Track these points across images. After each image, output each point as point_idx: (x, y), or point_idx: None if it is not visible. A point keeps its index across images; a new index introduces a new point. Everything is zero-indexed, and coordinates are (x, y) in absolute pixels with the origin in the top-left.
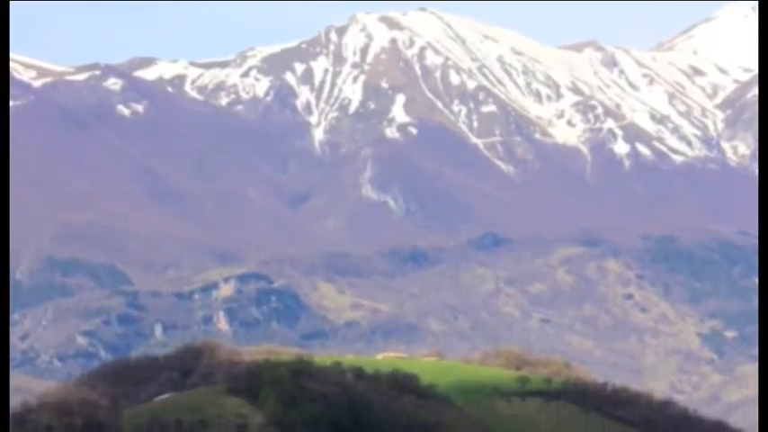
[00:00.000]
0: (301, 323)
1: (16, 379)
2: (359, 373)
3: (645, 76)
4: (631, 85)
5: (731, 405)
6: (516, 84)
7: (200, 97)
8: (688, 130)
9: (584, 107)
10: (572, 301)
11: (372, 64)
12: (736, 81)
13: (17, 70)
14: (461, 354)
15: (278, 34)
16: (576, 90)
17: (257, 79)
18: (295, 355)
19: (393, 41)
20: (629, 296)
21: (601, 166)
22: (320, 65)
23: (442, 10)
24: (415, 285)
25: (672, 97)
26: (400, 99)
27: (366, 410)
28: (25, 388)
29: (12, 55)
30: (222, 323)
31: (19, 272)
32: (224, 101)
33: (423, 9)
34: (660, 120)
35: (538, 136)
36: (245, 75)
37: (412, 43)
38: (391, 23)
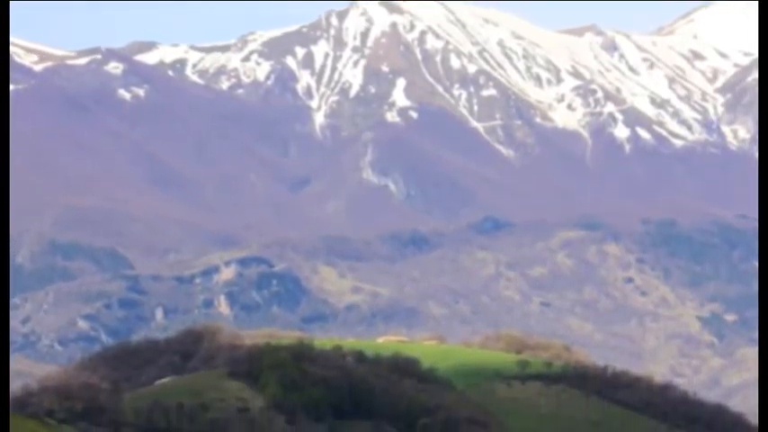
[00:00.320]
0: (302, 307)
1: (17, 363)
2: (359, 356)
3: (645, 60)
4: (631, 69)
5: (731, 388)
6: (516, 68)
7: (200, 81)
8: (688, 114)
9: (585, 91)
10: (572, 285)
11: (373, 48)
12: (736, 65)
13: (18, 54)
14: (462, 337)
15: (279, 18)
16: (576, 74)
17: (258, 63)
18: (296, 338)
19: (393, 26)
20: (630, 280)
21: (601, 150)
22: (321, 49)
23: None
24: (415, 269)
25: (672, 81)
26: (401, 83)
27: (367, 394)
28: (26, 372)
29: (13, 39)
30: (223, 307)
31: (20, 256)
32: (225, 85)
33: None
34: (660, 104)
35: (538, 120)
36: (246, 59)
37: (412, 27)
38: (392, 8)
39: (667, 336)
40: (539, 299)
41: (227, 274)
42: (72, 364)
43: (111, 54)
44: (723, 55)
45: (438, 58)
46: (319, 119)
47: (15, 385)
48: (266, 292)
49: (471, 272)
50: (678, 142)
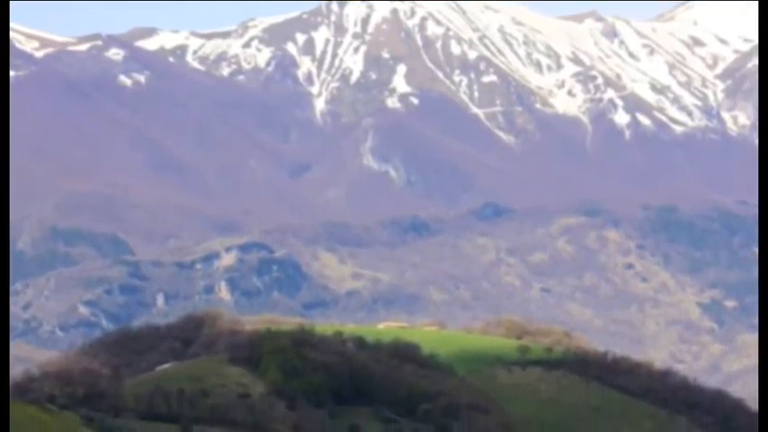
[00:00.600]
0: (302, 293)
1: (18, 348)
2: (360, 342)
3: (645, 46)
4: (632, 55)
5: (731, 374)
6: (517, 54)
7: (201, 67)
8: (688, 100)
9: (585, 77)
10: (572, 271)
11: (373, 34)
12: (736, 51)
13: (19, 41)
14: (462, 323)
15: (279, 5)
16: (576, 60)
17: (259, 50)
18: (296, 324)
19: (394, 12)
20: (630, 266)
21: (601, 136)
22: (321, 35)
23: None
24: (416, 255)
25: (672, 67)
26: (401, 69)
27: (367, 380)
28: (27, 358)
29: (14, 25)
30: (224, 293)
31: (21, 242)
32: (225, 71)
33: None
34: (660, 90)
35: (538, 106)
36: (247, 45)
37: (413, 13)
38: None
39: (667, 322)
40: (539, 285)
41: (228, 259)
42: (73, 350)
43: (111, 40)
44: (723, 41)
45: (438, 45)
46: (320, 105)
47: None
48: (267, 278)
49: (472, 258)
50: (678, 128)
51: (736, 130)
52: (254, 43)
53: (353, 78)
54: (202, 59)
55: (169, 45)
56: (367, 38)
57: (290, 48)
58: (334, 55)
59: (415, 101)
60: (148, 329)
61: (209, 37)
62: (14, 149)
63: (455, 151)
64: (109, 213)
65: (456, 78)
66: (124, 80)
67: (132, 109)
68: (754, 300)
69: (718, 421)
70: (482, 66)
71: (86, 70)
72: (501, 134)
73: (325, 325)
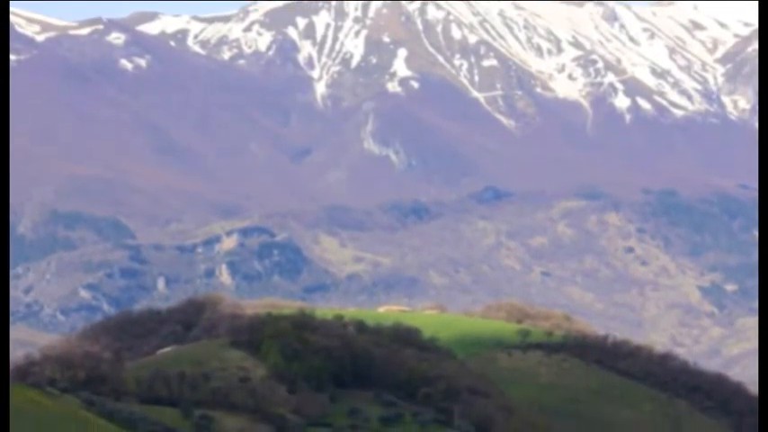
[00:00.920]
0: (303, 276)
1: (20, 332)
2: (360, 326)
3: (645, 30)
4: (632, 39)
5: (731, 358)
6: (517, 38)
7: (202, 52)
8: (688, 84)
9: (585, 61)
10: (573, 255)
11: (374, 18)
12: (736, 35)
13: (20, 25)
14: (463, 307)
15: None
16: (576, 44)
17: (260, 34)
18: (297, 308)
19: None
20: (630, 249)
21: (601, 120)
22: (322, 19)
23: None
24: (416, 239)
25: (672, 52)
26: (402, 53)
27: (367, 363)
28: (29, 341)
29: (15, 9)
30: (224, 276)
31: (22, 225)
32: (226, 55)
33: None
34: (660, 74)
35: (539, 90)
36: (248, 29)
37: None
38: None
39: (668, 305)
40: (539, 268)
41: (229, 243)
42: (74, 334)
43: (112, 24)
44: (723, 25)
45: (439, 29)
46: (320, 89)
47: (17, 354)
48: (268, 262)
49: (472, 241)
50: (678, 112)
51: (736, 114)
52: (255, 27)
53: (354, 62)
54: (203, 44)
55: (170, 29)
56: (367, 22)
57: (291, 32)
58: (335, 39)
59: (415, 85)
60: (149, 313)
61: (210, 21)
62: (15, 133)
63: (455, 135)
64: (110, 197)
65: (456, 62)
66: (125, 64)
67: (133, 93)
68: (754, 283)
69: (718, 404)
70: (482, 50)
71: (87, 54)
72: (501, 118)
73: (325, 309)
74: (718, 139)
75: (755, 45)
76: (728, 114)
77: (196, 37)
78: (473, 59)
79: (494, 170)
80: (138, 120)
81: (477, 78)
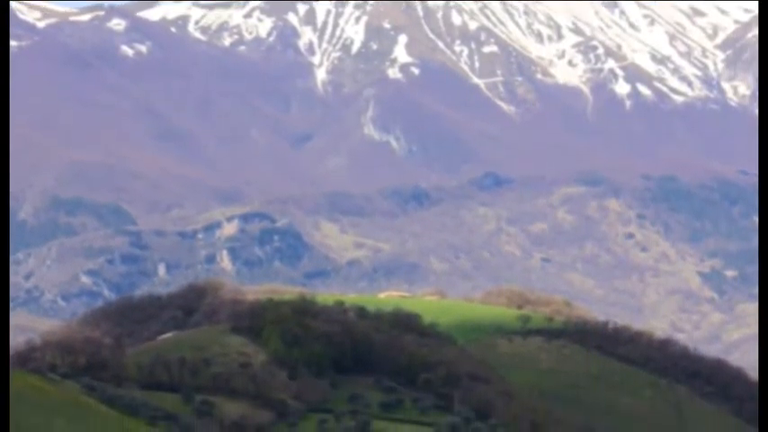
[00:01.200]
0: (304, 262)
1: (20, 318)
2: (361, 312)
3: (646, 16)
4: (632, 25)
5: (731, 344)
6: (518, 24)
7: (203, 38)
8: (688, 70)
9: (586, 48)
10: (573, 241)
11: (374, 4)
12: (736, 21)
13: (21, 11)
14: (463, 293)
15: None
16: (577, 30)
17: (260, 20)
18: (297, 294)
19: None
20: (630, 235)
21: (602, 106)
22: (322, 5)
23: None
24: (416, 225)
25: (672, 38)
26: (402, 39)
27: (368, 349)
28: (29, 327)
29: None
30: (225, 262)
31: (23, 211)
32: (227, 41)
33: None
34: (661, 60)
35: (539, 76)
36: (248, 15)
37: None
38: None
39: (668, 291)
40: (540, 254)
41: (230, 229)
42: (75, 319)
43: (113, 11)
44: (723, 11)
45: (439, 15)
46: (321, 75)
47: (18, 340)
48: (268, 248)
49: (472, 227)
50: (678, 98)
51: (736, 100)
52: (256, 14)
53: (354, 48)
54: (204, 30)
55: (171, 15)
56: (368, 8)
57: (292, 18)
58: (336, 25)
59: (416, 71)
60: (150, 299)
61: (210, 7)
62: (16, 120)
63: (456, 121)
64: (110, 183)
65: (457, 48)
66: (126, 50)
67: (134, 79)
68: (754, 269)
69: (718, 390)
70: (483, 36)
71: (88, 41)
72: (502, 104)
73: (326, 294)
74: (718, 126)
75: (755, 31)
76: (728, 100)
77: (197, 23)
78: (473, 45)
79: (494, 156)
80: (138, 106)
81: (477, 64)
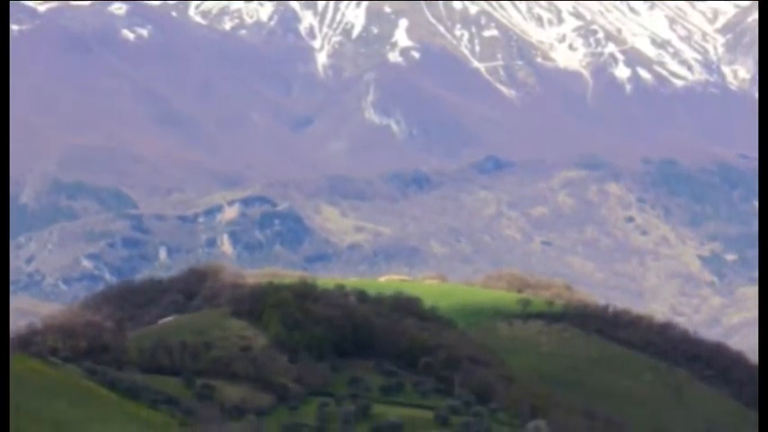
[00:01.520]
0: (305, 246)
1: (22, 302)
2: (362, 295)
3: (646, 0)
4: (632, 9)
5: (731, 327)
6: (518, 8)
7: (204, 22)
8: (689, 54)
9: (586, 31)
10: (573, 224)
11: None
12: (736, 6)
13: None
14: (463, 276)
15: None
16: (577, 14)
17: (261, 4)
18: (298, 277)
19: None
20: (630, 219)
21: (602, 90)
22: None
23: None
24: (417, 208)
25: (672, 22)
26: (403, 23)
27: (368, 332)
28: (31, 311)
29: None
30: (226, 246)
31: (24, 195)
32: (228, 25)
33: None
34: (661, 44)
35: (539, 60)
36: None
37: None
38: None
39: (668, 275)
40: (540, 238)
41: (230, 213)
42: (76, 303)
43: None
44: None
45: None
46: (322, 59)
47: (19, 324)
48: (269, 232)
49: (473, 211)
50: (678, 82)
51: (736, 84)
52: None
53: (355, 32)
54: (205, 14)
55: None
56: None
57: (292, 2)
58: (336, 9)
59: (416, 55)
60: (151, 283)
61: None
62: (17, 104)
63: (456, 105)
64: (111, 167)
65: (457, 32)
66: (127, 34)
67: (135, 63)
68: (754, 253)
69: (718, 373)
70: (483, 20)
71: (89, 24)
72: (502, 88)
73: (326, 278)
74: (718, 109)
75: (756, 15)
76: (729, 84)
77: (197, 7)
78: (474, 30)
79: (494, 140)
80: (139, 90)
81: (477, 48)
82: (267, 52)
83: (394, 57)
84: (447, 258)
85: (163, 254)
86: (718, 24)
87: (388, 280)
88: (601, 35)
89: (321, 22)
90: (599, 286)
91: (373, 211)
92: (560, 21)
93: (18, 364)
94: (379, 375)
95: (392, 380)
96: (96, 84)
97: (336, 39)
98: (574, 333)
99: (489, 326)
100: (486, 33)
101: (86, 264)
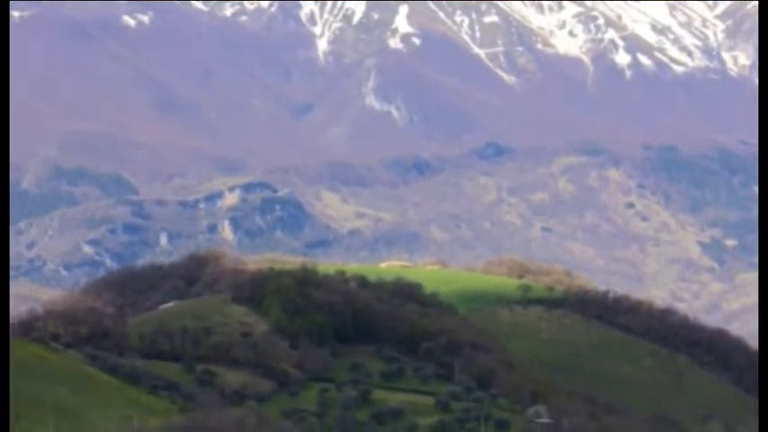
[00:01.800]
0: (305, 232)
1: (23, 287)
2: (362, 281)
3: None
4: None
5: (731, 313)
6: None
7: (204, 8)
8: (689, 40)
9: (586, 18)
10: (573, 210)
11: None
12: None
13: None
14: (464, 262)
15: None
16: (577, 1)
17: None
18: (299, 263)
19: None
20: (631, 205)
21: (602, 76)
22: None
23: None
24: (418, 194)
25: (672, 8)
26: (403, 10)
27: (369, 318)
28: (32, 296)
29: None
30: (227, 232)
31: (25, 181)
32: (229, 11)
33: None
34: (661, 30)
35: (540, 46)
36: None
37: None
38: None
39: (668, 260)
40: (540, 224)
41: (231, 199)
42: (77, 289)
43: None
44: None
45: None
46: (322, 45)
47: (21, 309)
48: (270, 218)
49: (473, 197)
50: (679, 69)
51: (736, 71)
52: None
53: (356, 19)
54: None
55: None
56: None
57: None
58: None
59: (417, 41)
60: (152, 268)
61: None
62: (18, 90)
63: (457, 91)
64: (112, 153)
65: (458, 19)
66: (128, 20)
67: (136, 49)
68: (754, 239)
69: (718, 359)
70: (484, 6)
71: (90, 11)
72: (502, 74)
73: (327, 264)
74: (718, 96)
75: (755, 2)
76: (728, 71)
77: None
78: (474, 16)
79: (495, 126)
80: (140, 76)
81: (478, 34)
82: (268, 38)
83: (394, 43)
84: (447, 244)
85: (164, 240)
86: (719, 11)
87: (389, 266)
88: (601, 21)
89: (322, 8)
90: (599, 272)
91: (374, 197)
92: (561, 7)
93: (19, 350)
94: (379, 361)
95: (393, 365)
96: (97, 70)
97: (337, 25)
98: (574, 319)
99: (490, 311)
100: (487, 19)
101: (87, 249)
